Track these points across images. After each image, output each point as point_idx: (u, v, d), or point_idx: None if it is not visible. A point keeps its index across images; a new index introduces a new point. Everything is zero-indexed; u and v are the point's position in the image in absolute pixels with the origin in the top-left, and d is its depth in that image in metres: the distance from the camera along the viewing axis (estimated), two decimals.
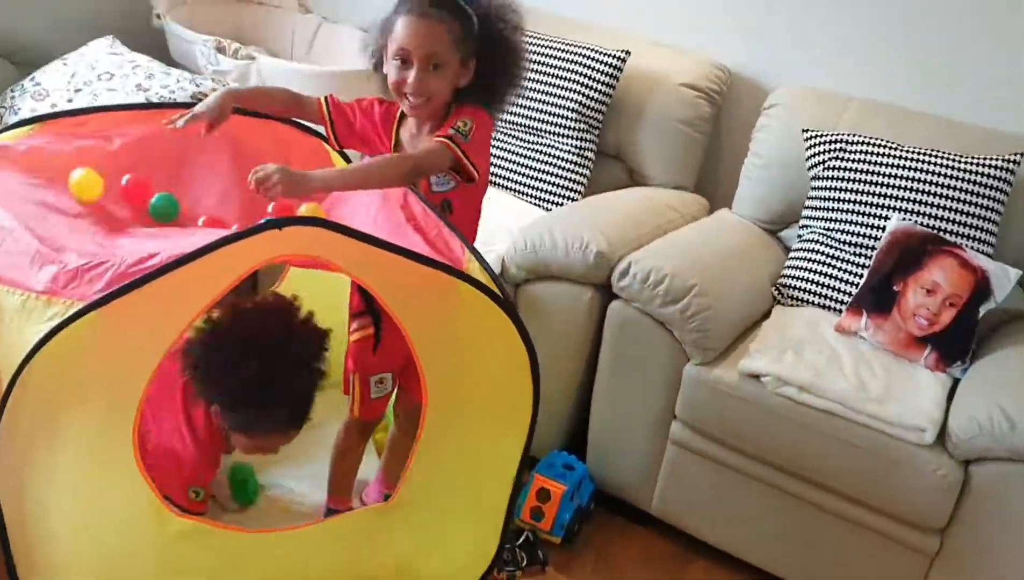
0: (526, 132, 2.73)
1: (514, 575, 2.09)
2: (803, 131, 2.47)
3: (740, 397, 2.09)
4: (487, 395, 1.68)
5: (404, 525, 1.74)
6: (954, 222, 2.23)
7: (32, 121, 1.84)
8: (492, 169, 2.73)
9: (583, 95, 2.63)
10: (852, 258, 2.34)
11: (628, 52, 2.65)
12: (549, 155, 2.69)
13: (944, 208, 2.24)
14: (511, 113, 2.74)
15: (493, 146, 2.77)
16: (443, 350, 1.61)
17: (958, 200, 2.24)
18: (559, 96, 2.66)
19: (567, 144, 2.67)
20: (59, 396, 1.39)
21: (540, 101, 2.68)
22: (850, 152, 2.37)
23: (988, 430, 1.88)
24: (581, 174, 2.68)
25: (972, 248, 2.21)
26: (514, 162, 2.73)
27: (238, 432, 1.85)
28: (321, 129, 1.93)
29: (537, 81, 2.69)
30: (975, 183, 2.23)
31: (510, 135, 2.76)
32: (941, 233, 2.23)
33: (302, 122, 2.00)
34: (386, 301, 1.56)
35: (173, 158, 1.89)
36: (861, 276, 2.30)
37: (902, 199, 2.28)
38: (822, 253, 2.38)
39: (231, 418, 1.81)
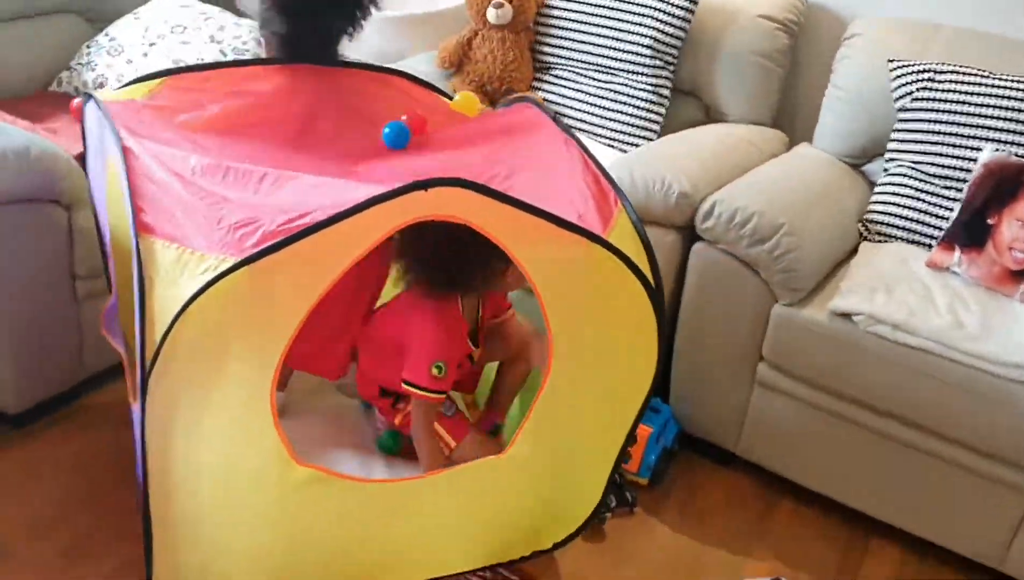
0: (599, 71, 2.68)
1: (604, 518, 2.10)
2: (889, 60, 2.40)
3: (831, 337, 2.05)
4: (610, 351, 1.69)
5: (520, 475, 1.76)
6: None
7: (153, 77, 1.85)
8: (566, 112, 2.70)
9: (657, 30, 2.57)
10: (942, 192, 2.28)
11: None
12: (623, 94, 2.64)
13: None
14: (583, 52, 2.69)
15: (566, 87, 2.73)
16: (572, 308, 1.61)
17: None
18: (632, 32, 2.60)
19: (641, 82, 2.62)
20: (208, 350, 1.42)
21: (613, 38, 2.63)
22: (940, 81, 2.29)
23: None
24: (656, 112, 2.63)
25: None
26: (587, 103, 2.69)
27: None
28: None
29: (609, 18, 2.64)
30: None
31: (582, 75, 2.72)
32: None
33: (416, 76, 2.07)
34: (521, 261, 1.57)
35: (302, 113, 1.88)
36: (951, 210, 2.23)
37: (996, 129, 2.20)
38: (910, 187, 2.32)
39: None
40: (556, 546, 1.93)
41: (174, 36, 2.63)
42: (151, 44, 2.61)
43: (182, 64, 2.35)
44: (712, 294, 2.20)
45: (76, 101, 1.94)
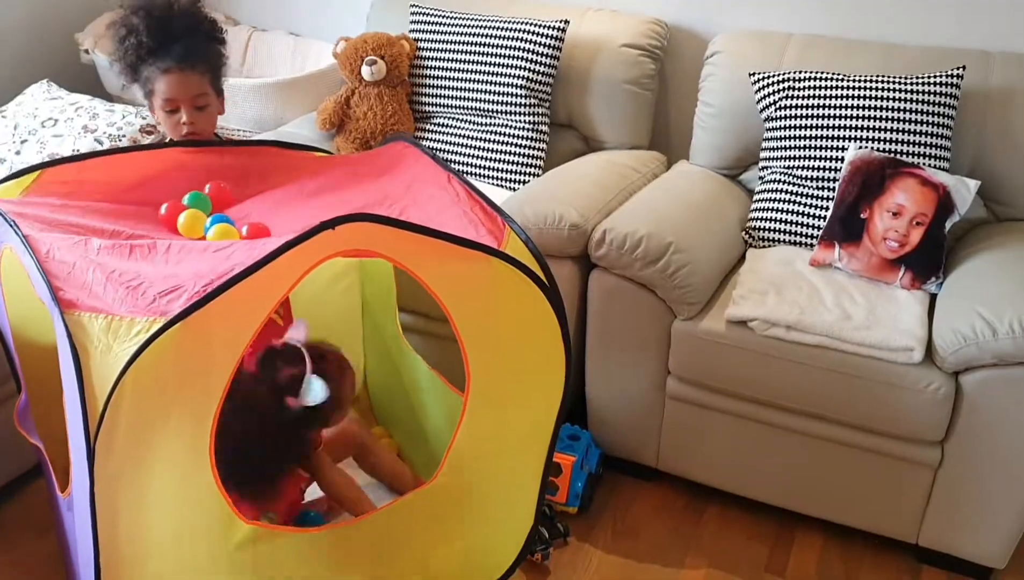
0: (478, 115, 2.74)
1: (547, 552, 2.13)
2: (750, 74, 2.51)
3: (730, 345, 2.14)
4: (522, 371, 1.75)
5: (452, 507, 1.80)
6: (909, 143, 2.29)
7: (24, 173, 1.85)
8: (451, 157, 2.75)
9: (529, 69, 2.65)
10: (816, 192, 2.40)
11: (567, 21, 2.66)
12: (504, 134, 2.70)
13: (898, 130, 2.30)
14: (461, 98, 2.75)
15: (448, 134, 2.79)
16: (482, 328, 1.68)
17: (910, 121, 2.29)
18: (505, 74, 2.67)
19: (520, 121, 2.69)
20: (149, 410, 1.43)
21: (487, 82, 2.69)
22: (799, 89, 2.41)
23: (972, 339, 1.94)
24: (538, 148, 2.70)
25: (930, 165, 2.27)
26: (471, 146, 2.74)
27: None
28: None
29: (482, 63, 2.70)
30: (924, 102, 2.29)
31: (463, 120, 2.77)
32: (898, 156, 2.29)
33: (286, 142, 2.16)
34: (429, 284, 1.62)
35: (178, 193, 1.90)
36: (827, 209, 2.35)
37: (856, 128, 2.33)
38: (786, 192, 2.43)
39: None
40: None
41: (45, 130, 2.59)
42: (22, 141, 2.57)
43: (57, 157, 2.32)
44: (614, 317, 2.26)
45: None
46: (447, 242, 1.60)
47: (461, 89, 2.74)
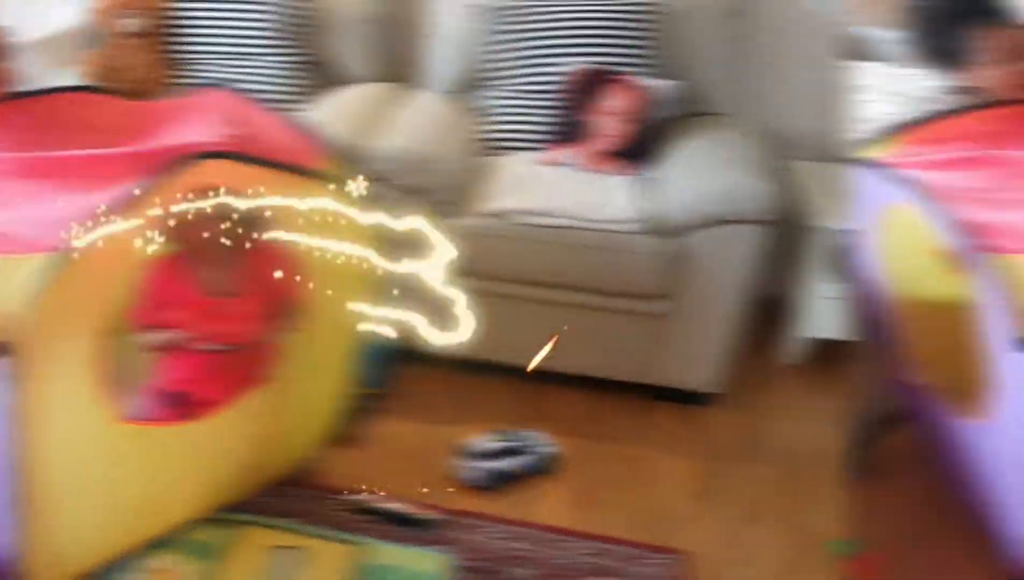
0: (233, 58, 2.91)
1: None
2: (467, 6, 2.90)
3: (491, 235, 2.50)
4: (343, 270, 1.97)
5: (289, 384, 2.10)
6: (616, 56, 2.77)
7: None
8: None
9: (279, 12, 2.87)
10: (541, 103, 2.82)
11: None
12: (259, 75, 2.89)
13: (606, 45, 2.77)
14: (214, 43, 2.90)
15: (208, 78, 2.92)
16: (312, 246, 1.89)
17: (615, 36, 2.77)
18: (257, 17, 2.86)
19: (275, 62, 2.90)
20: (47, 333, 1.56)
21: (239, 26, 2.88)
22: (519, 12, 2.82)
23: (686, 207, 2.43)
24: (295, 86, 2.92)
25: (634, 73, 2.74)
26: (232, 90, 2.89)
27: None
28: None
29: (230, 7, 2.88)
30: (625, 19, 2.77)
31: (219, 64, 2.92)
32: (608, 66, 2.75)
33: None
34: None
35: None
36: (552, 116, 2.78)
37: (570, 45, 2.78)
38: (514, 106, 2.85)
39: None
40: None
41: None
42: None
43: None
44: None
45: None
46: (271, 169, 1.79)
47: (214, 34, 2.90)
